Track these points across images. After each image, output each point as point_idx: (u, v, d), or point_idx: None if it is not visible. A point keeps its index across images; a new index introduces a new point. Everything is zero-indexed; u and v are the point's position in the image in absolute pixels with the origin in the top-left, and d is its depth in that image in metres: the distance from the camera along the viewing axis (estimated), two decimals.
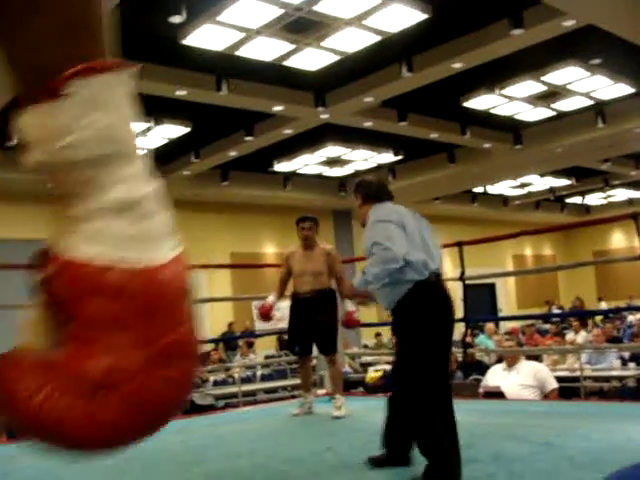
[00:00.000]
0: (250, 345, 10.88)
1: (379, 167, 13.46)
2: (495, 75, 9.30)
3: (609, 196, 18.78)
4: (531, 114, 11.10)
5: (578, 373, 7.02)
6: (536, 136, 12.02)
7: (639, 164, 15.26)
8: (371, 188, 3.28)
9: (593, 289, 20.97)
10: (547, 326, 13.40)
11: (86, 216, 0.53)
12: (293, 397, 7.18)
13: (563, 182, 16.44)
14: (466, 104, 10.27)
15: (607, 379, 7.39)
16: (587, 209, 20.33)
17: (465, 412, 3.25)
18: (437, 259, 3.02)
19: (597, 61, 9.10)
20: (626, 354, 7.85)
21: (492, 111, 10.69)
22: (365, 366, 9.74)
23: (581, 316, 11.97)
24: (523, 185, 16.56)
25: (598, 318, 12.65)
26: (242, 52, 7.83)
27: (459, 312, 4.03)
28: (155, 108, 9.09)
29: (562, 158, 12.96)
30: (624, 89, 10.19)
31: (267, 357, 12.32)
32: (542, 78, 9.42)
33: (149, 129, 9.76)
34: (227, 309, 13.71)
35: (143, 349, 0.51)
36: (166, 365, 0.52)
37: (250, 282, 12.96)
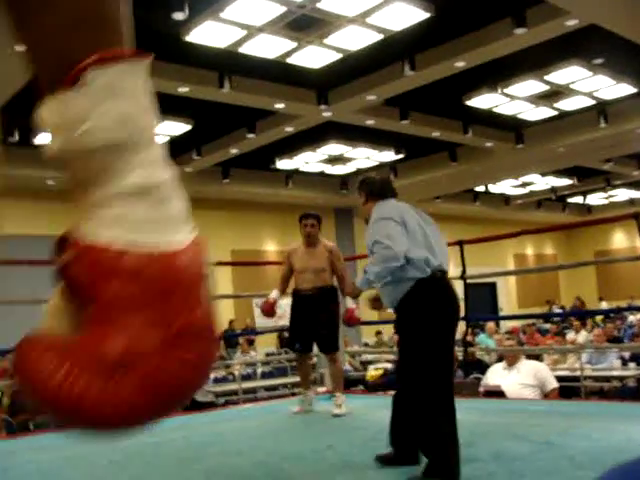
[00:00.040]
0: (251, 342, 10.90)
1: (381, 165, 13.45)
2: (497, 74, 9.29)
3: (611, 196, 18.77)
4: (533, 113, 11.09)
5: (578, 373, 7.02)
6: (538, 135, 12.01)
7: None
8: (375, 185, 3.29)
9: (594, 289, 20.97)
10: (548, 326, 13.42)
11: (105, 202, 0.54)
12: (293, 394, 7.18)
13: (565, 182, 16.43)
14: (468, 103, 10.26)
15: (607, 379, 7.40)
16: (589, 209, 20.32)
17: (465, 411, 3.25)
18: (441, 256, 2.99)
19: (600, 61, 9.09)
20: (626, 354, 7.86)
21: (494, 110, 10.68)
22: (365, 364, 9.76)
23: (582, 316, 11.97)
24: (525, 184, 16.55)
25: (599, 318, 12.66)
26: (245, 49, 7.83)
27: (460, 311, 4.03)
28: (157, 105, 9.06)
29: (564, 158, 12.94)
30: (626, 89, 10.18)
31: (267, 354, 12.33)
32: (544, 77, 9.40)
33: None
34: (228, 306, 13.71)
35: (160, 331, 0.52)
36: (182, 347, 0.53)
37: (251, 280, 12.97)
